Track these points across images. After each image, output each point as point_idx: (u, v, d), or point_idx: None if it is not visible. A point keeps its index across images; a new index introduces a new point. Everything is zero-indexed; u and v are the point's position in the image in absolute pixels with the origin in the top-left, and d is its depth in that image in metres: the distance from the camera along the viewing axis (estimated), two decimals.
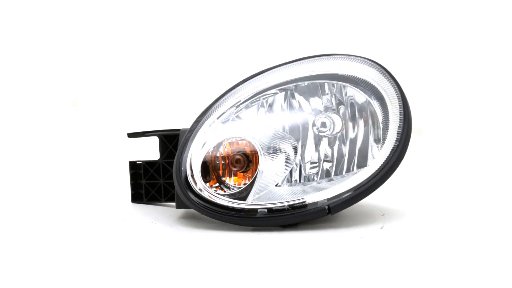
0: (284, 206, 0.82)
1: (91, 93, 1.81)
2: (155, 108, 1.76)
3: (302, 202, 0.82)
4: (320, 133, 0.88)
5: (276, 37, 1.77)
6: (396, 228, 0.85)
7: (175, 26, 1.81)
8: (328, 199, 0.81)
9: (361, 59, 0.90)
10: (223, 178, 0.89)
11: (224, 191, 0.87)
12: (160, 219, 0.92)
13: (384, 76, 0.87)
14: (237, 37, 1.79)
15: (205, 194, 0.85)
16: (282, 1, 1.79)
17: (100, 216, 0.97)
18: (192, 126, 0.92)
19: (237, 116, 0.91)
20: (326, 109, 0.89)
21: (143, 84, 1.80)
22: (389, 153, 0.83)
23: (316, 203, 0.82)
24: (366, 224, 0.87)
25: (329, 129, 0.88)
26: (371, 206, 0.99)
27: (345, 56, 0.91)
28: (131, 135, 1.04)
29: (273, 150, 0.87)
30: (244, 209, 0.83)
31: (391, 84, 0.86)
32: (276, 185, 0.86)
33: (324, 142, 0.89)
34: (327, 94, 0.90)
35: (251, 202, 0.84)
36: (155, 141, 1.02)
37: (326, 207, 0.80)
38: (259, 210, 0.83)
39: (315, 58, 0.92)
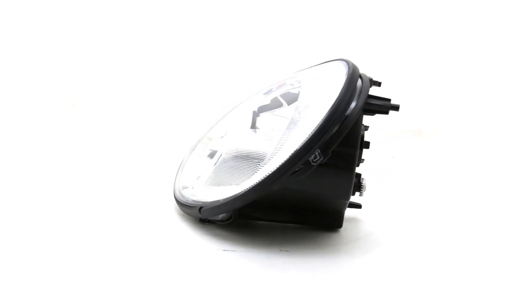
0: (188, 200, 0.86)
1: (91, 94, 1.81)
2: (155, 109, 1.76)
3: (192, 200, 0.85)
4: None
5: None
6: (389, 236, 0.84)
7: (175, 26, 1.81)
8: (206, 202, 0.80)
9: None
10: None
11: None
12: None
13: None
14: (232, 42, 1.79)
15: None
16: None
17: (99, 217, 0.97)
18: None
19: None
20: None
21: (143, 85, 1.80)
22: (269, 172, 0.74)
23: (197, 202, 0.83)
24: (357, 228, 0.86)
25: None
26: (366, 209, 0.98)
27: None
28: None
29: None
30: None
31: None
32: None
33: None
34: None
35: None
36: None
37: (198, 209, 0.81)
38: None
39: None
